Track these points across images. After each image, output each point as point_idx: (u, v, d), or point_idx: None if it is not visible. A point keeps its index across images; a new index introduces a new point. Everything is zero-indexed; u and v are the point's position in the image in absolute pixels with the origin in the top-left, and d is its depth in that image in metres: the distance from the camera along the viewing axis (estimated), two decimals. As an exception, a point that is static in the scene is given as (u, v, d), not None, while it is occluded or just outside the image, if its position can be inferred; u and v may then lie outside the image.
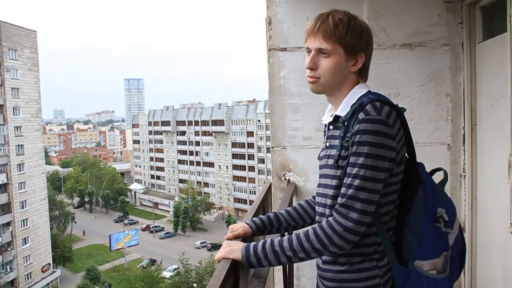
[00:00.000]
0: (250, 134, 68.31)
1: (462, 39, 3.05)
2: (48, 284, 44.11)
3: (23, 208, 42.01)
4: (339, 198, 1.45)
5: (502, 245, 2.58)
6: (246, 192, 67.79)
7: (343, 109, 1.53)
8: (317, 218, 1.64)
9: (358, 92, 1.54)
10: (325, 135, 1.69)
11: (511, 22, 2.37)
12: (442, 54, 3.11)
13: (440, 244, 1.53)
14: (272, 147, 3.35)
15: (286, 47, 3.25)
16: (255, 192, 63.67)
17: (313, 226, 1.48)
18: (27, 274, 42.04)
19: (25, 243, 42.04)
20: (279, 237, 1.53)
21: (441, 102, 3.13)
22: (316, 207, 1.65)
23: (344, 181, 1.44)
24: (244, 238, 1.66)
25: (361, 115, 1.43)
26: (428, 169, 1.63)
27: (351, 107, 1.50)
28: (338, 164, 1.48)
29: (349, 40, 1.51)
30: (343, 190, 1.44)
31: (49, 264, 45.21)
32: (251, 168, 68.11)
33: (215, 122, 72.71)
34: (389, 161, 1.43)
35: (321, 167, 1.63)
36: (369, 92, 1.54)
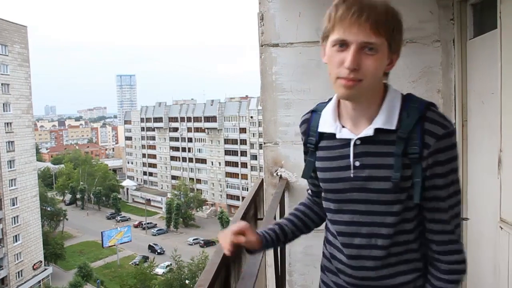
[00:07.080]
0: (243, 130, 68.23)
1: (453, 35, 3.07)
2: (39, 281, 43.82)
3: (14, 205, 41.69)
4: (437, 225, 1.31)
5: (492, 240, 2.61)
6: (239, 189, 67.81)
7: (388, 120, 1.25)
8: (353, 252, 1.33)
9: (394, 96, 1.28)
10: (310, 149, 1.41)
11: (501, 19, 2.39)
12: (434, 50, 3.13)
13: None
14: (264, 143, 3.35)
15: (278, 43, 3.25)
16: (247, 188, 63.61)
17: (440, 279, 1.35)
18: (18, 272, 41.76)
19: (16, 241, 41.76)
20: None
21: (432, 98, 3.14)
22: (345, 239, 1.35)
23: (435, 205, 1.28)
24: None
25: (438, 130, 1.21)
26: None
27: (406, 117, 1.24)
28: (401, 186, 1.24)
29: (396, 34, 1.22)
30: (440, 215, 1.30)
31: (41, 261, 44.91)
32: (244, 165, 68.10)
33: (208, 119, 72.52)
34: None
35: (349, 190, 1.31)
36: (402, 94, 1.30)
